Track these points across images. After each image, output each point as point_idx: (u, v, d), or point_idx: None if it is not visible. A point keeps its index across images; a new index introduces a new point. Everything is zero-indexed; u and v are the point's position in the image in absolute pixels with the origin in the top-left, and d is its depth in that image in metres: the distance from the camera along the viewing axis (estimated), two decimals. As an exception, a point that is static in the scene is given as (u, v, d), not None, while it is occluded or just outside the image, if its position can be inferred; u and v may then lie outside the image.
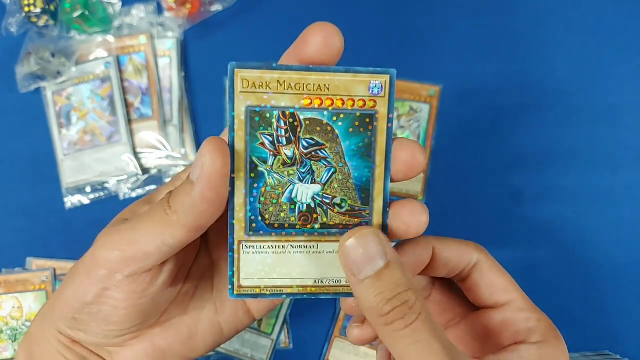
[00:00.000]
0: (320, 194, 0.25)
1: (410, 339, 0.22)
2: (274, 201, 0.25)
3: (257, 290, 0.25)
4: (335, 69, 0.24)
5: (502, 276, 0.28)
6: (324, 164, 0.25)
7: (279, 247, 0.25)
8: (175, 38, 0.51)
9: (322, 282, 0.25)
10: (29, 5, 0.49)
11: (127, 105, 0.51)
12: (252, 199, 0.24)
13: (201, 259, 0.29)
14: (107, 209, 0.50)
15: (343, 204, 0.25)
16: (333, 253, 0.25)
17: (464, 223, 0.50)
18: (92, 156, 0.50)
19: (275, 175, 0.24)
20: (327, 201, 0.25)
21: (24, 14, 0.49)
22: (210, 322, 0.28)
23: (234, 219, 0.24)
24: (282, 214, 0.25)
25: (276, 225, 0.25)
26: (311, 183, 0.25)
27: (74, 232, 0.50)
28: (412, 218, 0.25)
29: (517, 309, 0.27)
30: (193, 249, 0.28)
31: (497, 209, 0.51)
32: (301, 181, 0.25)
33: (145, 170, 0.51)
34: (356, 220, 0.25)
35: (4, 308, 0.49)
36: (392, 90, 0.24)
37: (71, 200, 0.50)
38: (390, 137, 0.25)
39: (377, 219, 0.25)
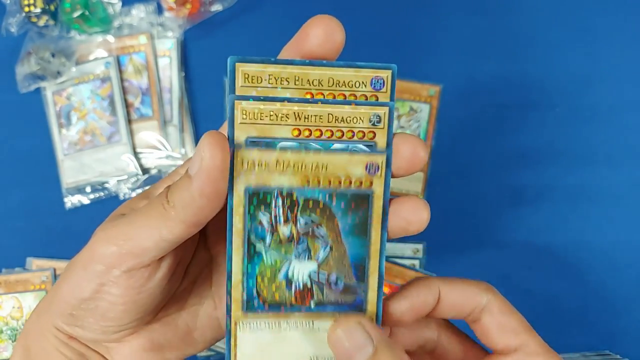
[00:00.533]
0: (317, 271, 0.25)
1: None
2: (271, 279, 0.25)
3: None
4: (337, 63, 0.24)
5: (514, 318, 0.27)
6: (321, 242, 0.25)
7: (275, 325, 0.25)
8: (175, 38, 0.51)
9: (317, 358, 0.25)
10: (29, 5, 0.49)
11: (127, 105, 0.51)
12: (249, 279, 0.24)
13: (200, 254, 0.28)
14: (107, 209, 0.50)
15: (339, 282, 0.25)
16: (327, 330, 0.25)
17: (464, 223, 0.50)
18: (92, 156, 0.50)
19: (272, 252, 0.24)
20: (323, 279, 0.25)
21: (24, 14, 0.49)
22: (209, 317, 0.28)
23: (230, 299, 0.24)
24: (278, 292, 0.25)
25: (273, 304, 0.25)
26: (307, 260, 0.25)
27: (74, 232, 0.50)
28: (412, 214, 0.25)
29: (530, 353, 0.26)
30: (191, 244, 0.28)
31: (497, 208, 0.51)
32: (297, 259, 0.25)
33: (145, 170, 0.51)
34: (351, 297, 0.25)
35: (4, 308, 0.49)
36: (394, 86, 0.24)
37: (71, 200, 0.50)
38: (386, 209, 0.25)
39: (372, 295, 0.25)
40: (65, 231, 0.50)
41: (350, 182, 0.24)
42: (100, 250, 0.24)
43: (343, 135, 0.24)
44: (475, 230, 0.50)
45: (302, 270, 0.25)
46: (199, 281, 0.28)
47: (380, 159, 0.24)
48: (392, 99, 0.24)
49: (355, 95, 0.24)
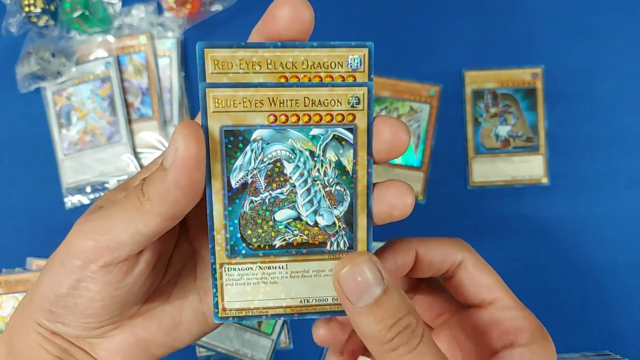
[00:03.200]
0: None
1: None
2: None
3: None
4: (309, 44, 0.23)
5: (488, 274, 0.27)
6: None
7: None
8: (175, 38, 0.51)
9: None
10: (29, 5, 0.49)
11: (127, 105, 0.51)
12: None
13: (182, 248, 0.28)
14: (107, 209, 0.50)
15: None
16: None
17: (463, 223, 0.50)
18: (92, 156, 0.50)
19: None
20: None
21: (24, 14, 0.49)
22: (195, 311, 0.27)
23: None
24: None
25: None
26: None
27: (74, 232, 0.50)
28: (397, 199, 0.24)
29: (503, 307, 0.27)
30: (172, 237, 0.27)
31: (496, 208, 0.51)
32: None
33: (145, 170, 0.51)
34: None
35: (4, 308, 0.49)
36: (371, 65, 0.23)
37: (71, 200, 0.50)
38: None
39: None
40: (65, 231, 0.50)
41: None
42: (77, 245, 0.23)
43: (322, 119, 0.23)
44: (475, 230, 0.50)
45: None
46: (182, 274, 0.28)
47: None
48: (370, 78, 0.23)
49: (331, 77, 0.23)
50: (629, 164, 0.50)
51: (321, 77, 0.23)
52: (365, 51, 0.23)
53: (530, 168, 0.51)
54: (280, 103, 0.23)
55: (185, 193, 0.21)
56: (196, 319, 0.28)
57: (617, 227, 0.50)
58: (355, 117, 0.23)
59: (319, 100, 0.23)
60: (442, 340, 0.29)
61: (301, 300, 0.25)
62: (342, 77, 0.23)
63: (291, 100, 0.23)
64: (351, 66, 0.23)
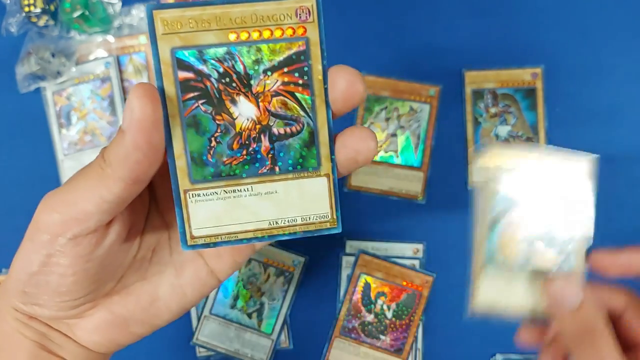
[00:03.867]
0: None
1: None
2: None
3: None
4: None
5: None
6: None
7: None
8: (176, 38, 0.51)
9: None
10: (29, 5, 0.49)
11: (127, 105, 0.51)
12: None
13: (153, 221, 0.28)
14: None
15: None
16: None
17: (464, 223, 0.50)
18: (92, 156, 0.50)
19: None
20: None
21: (24, 14, 0.49)
22: (172, 286, 0.27)
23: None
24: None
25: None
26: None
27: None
28: (361, 143, 0.24)
29: None
30: (141, 207, 0.27)
31: (497, 209, 0.51)
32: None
33: (145, 170, 0.51)
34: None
35: (4, 308, 0.49)
36: (320, 14, 0.23)
37: (71, 200, 0.50)
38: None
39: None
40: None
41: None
42: (44, 220, 0.23)
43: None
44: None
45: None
46: (157, 249, 0.28)
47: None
48: (320, 27, 0.23)
49: (282, 29, 0.23)
50: (628, 164, 0.50)
51: (271, 30, 0.23)
52: (313, 1, 0.23)
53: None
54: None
55: (145, 153, 0.21)
56: (174, 293, 0.27)
57: (617, 227, 0.50)
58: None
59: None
60: None
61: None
62: (293, 28, 0.23)
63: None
64: (300, 17, 0.23)
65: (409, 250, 0.50)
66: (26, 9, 0.49)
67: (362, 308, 0.49)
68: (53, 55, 0.49)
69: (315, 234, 0.25)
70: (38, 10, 0.49)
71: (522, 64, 0.51)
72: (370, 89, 0.51)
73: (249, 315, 0.49)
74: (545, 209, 0.31)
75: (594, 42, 0.51)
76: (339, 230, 0.25)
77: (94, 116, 0.50)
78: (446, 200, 0.50)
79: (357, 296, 0.49)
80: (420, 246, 0.50)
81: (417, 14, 0.52)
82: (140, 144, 0.21)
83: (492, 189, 0.31)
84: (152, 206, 0.28)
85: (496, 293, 0.30)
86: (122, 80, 0.51)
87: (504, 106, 0.51)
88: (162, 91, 0.23)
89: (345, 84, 0.24)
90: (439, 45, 0.51)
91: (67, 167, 0.50)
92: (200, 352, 0.49)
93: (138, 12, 0.51)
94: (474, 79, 0.51)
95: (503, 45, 0.51)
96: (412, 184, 0.50)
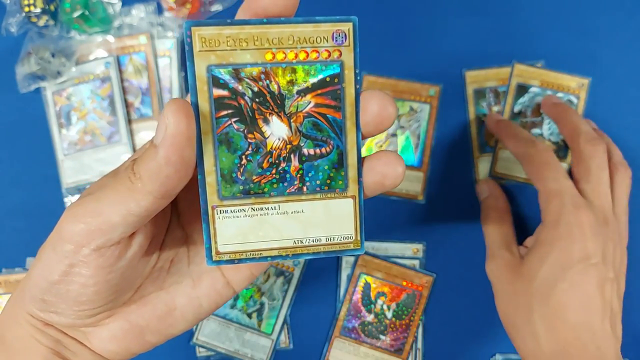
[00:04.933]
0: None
1: None
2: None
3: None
4: (295, 20, 0.23)
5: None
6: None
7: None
8: (175, 38, 0.51)
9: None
10: (29, 5, 0.49)
11: (127, 105, 0.51)
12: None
13: (174, 233, 0.28)
14: (107, 209, 0.50)
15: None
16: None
17: (464, 223, 0.50)
18: (92, 156, 0.50)
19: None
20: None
21: (24, 14, 0.49)
22: (188, 297, 0.27)
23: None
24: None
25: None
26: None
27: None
28: (388, 168, 0.25)
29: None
30: (163, 221, 0.27)
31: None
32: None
33: (145, 170, 0.51)
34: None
35: (4, 308, 0.49)
36: (357, 39, 0.24)
37: (71, 200, 0.50)
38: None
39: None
40: (66, 231, 0.50)
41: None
42: (69, 229, 0.23)
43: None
44: (475, 230, 0.50)
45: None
46: (175, 260, 0.28)
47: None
48: (356, 52, 0.24)
49: (317, 51, 0.23)
50: (629, 163, 0.50)
51: (307, 52, 0.23)
52: (350, 25, 0.24)
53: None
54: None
55: (177, 169, 0.22)
56: (190, 304, 0.28)
57: None
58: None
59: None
60: None
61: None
62: (328, 51, 0.24)
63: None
64: (337, 40, 0.24)
65: (409, 250, 0.50)
66: (26, 9, 0.49)
67: (362, 308, 0.49)
68: (53, 55, 0.49)
69: (339, 255, 0.25)
70: (38, 10, 0.49)
71: (522, 61, 0.51)
72: (370, 89, 0.51)
73: (249, 315, 0.49)
74: None
75: (594, 41, 0.51)
76: (362, 252, 0.26)
77: (94, 116, 0.50)
78: (446, 200, 0.50)
79: (357, 296, 0.49)
80: (420, 246, 0.50)
81: (417, 13, 0.52)
82: (173, 159, 0.21)
83: None
84: (173, 218, 0.28)
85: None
86: (122, 80, 0.51)
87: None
88: (196, 107, 0.23)
89: (378, 108, 0.24)
90: (439, 45, 0.51)
91: (67, 167, 0.50)
92: (200, 352, 0.49)
93: (138, 12, 0.51)
94: (474, 78, 0.51)
95: (503, 45, 0.51)
96: (412, 184, 0.50)
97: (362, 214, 0.25)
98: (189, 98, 0.24)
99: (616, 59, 0.51)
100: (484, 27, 0.51)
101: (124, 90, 0.51)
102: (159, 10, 0.51)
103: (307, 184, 0.25)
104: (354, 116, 0.24)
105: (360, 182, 0.25)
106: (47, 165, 0.50)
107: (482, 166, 0.51)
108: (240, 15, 0.24)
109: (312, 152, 0.24)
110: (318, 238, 0.25)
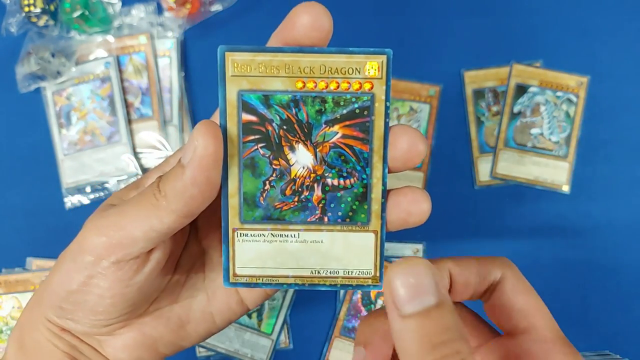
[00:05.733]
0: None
1: None
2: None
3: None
4: (328, 50, 0.23)
5: (526, 297, 0.24)
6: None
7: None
8: (175, 38, 0.51)
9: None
10: (29, 5, 0.49)
11: (127, 105, 0.51)
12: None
13: (191, 248, 0.28)
14: (107, 209, 0.50)
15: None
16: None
17: (464, 223, 0.50)
18: (92, 156, 0.50)
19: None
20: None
21: (24, 14, 0.49)
22: (202, 311, 0.28)
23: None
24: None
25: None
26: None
27: (74, 232, 0.49)
28: (413, 206, 0.24)
29: (538, 338, 0.23)
30: (182, 237, 0.27)
31: (497, 208, 0.51)
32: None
33: (145, 170, 0.51)
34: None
35: (4, 308, 0.49)
36: (389, 72, 0.24)
37: (71, 200, 0.50)
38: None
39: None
40: (65, 231, 0.50)
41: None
42: (90, 241, 0.23)
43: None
44: (475, 230, 0.50)
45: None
46: (191, 274, 0.28)
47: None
48: (387, 85, 0.24)
49: (349, 82, 0.23)
50: (628, 164, 0.50)
51: (338, 83, 0.23)
52: (384, 58, 0.24)
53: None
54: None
55: (202, 190, 0.22)
56: (203, 318, 0.28)
57: (617, 227, 0.50)
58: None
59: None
60: None
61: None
62: (360, 83, 0.23)
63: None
64: (369, 72, 0.24)
65: (408, 251, 0.50)
66: (26, 9, 0.49)
67: (362, 308, 0.49)
68: (53, 55, 0.49)
69: (356, 289, 0.25)
70: (38, 10, 0.49)
71: (521, 60, 0.51)
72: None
73: (249, 315, 0.49)
74: None
75: (594, 41, 0.51)
76: (381, 289, 0.25)
77: (93, 116, 0.50)
78: (446, 200, 0.50)
79: (357, 296, 0.49)
80: (420, 246, 0.50)
81: (417, 14, 0.52)
82: (199, 180, 0.22)
83: None
84: (191, 233, 0.28)
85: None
86: (122, 80, 0.51)
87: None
88: (225, 130, 0.23)
89: (407, 145, 0.24)
90: (438, 45, 0.51)
91: (67, 167, 0.50)
92: (200, 352, 0.49)
93: (138, 12, 0.51)
94: (473, 78, 0.51)
95: (502, 44, 0.51)
96: (412, 184, 0.50)
97: (383, 250, 0.25)
98: (214, 117, 0.24)
99: (615, 57, 0.51)
100: (482, 27, 0.51)
101: (124, 90, 0.51)
102: (159, 10, 0.51)
103: (329, 214, 0.25)
104: (381, 150, 0.24)
105: (383, 217, 0.25)
106: (47, 165, 0.50)
107: (482, 166, 0.51)
108: (272, 42, 0.24)
109: (336, 182, 0.24)
110: (336, 270, 0.25)
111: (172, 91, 0.51)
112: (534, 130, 0.50)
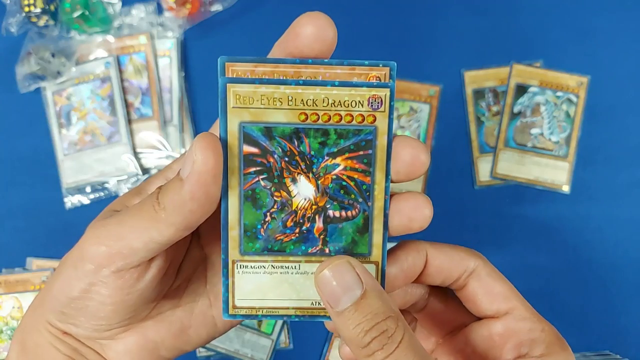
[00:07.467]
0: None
1: None
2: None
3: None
4: (329, 61, 0.23)
5: (502, 283, 0.26)
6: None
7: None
8: (175, 38, 0.51)
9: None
10: (29, 5, 0.49)
11: (127, 105, 0.51)
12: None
13: (193, 253, 0.28)
14: (107, 209, 0.50)
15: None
16: None
17: (464, 223, 0.50)
18: (92, 156, 0.50)
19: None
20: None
21: (24, 14, 0.49)
22: (204, 316, 0.28)
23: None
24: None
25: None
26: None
27: (74, 232, 0.49)
28: (415, 212, 0.24)
29: (519, 318, 0.26)
30: (183, 245, 0.27)
31: (497, 209, 0.51)
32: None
33: (145, 170, 0.51)
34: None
35: (4, 308, 0.49)
36: (392, 105, 0.24)
37: (71, 200, 0.50)
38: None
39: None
40: (65, 231, 0.50)
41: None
42: (90, 250, 0.23)
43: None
44: (475, 230, 0.50)
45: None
46: (193, 279, 0.28)
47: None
48: (390, 117, 0.24)
49: (351, 116, 0.23)
50: (628, 165, 0.50)
51: (341, 116, 0.23)
52: (387, 91, 0.23)
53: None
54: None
55: (201, 205, 0.22)
56: (205, 323, 0.28)
57: (617, 227, 0.50)
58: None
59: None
60: (450, 353, 0.28)
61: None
62: (362, 116, 0.23)
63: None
64: (372, 106, 0.23)
65: (409, 250, 0.50)
66: (26, 9, 0.49)
67: (362, 308, 0.49)
68: (53, 55, 0.49)
69: None
70: (38, 10, 0.49)
71: (521, 60, 0.51)
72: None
73: (249, 315, 0.49)
74: None
75: (593, 41, 0.51)
76: None
77: (94, 116, 0.50)
78: (446, 200, 0.50)
79: (357, 296, 0.49)
80: (420, 246, 0.50)
81: (417, 13, 0.52)
82: (198, 195, 0.21)
83: None
84: (193, 238, 0.28)
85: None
86: (122, 80, 0.51)
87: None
88: (225, 143, 0.23)
89: (410, 157, 0.24)
90: (438, 45, 0.51)
91: (67, 167, 0.50)
92: (200, 352, 0.49)
93: (138, 12, 0.51)
94: (473, 78, 0.51)
95: (502, 44, 0.51)
96: (412, 184, 0.50)
97: (384, 280, 0.25)
98: (214, 128, 0.24)
99: (615, 57, 0.51)
100: (482, 27, 0.51)
101: (124, 90, 0.51)
102: (159, 10, 0.51)
103: (330, 246, 0.24)
104: (383, 182, 0.24)
105: (384, 248, 0.25)
106: (47, 165, 0.50)
107: (482, 166, 0.51)
108: (274, 52, 0.24)
109: (337, 214, 0.24)
110: None
111: (172, 91, 0.51)
112: (534, 130, 0.50)
